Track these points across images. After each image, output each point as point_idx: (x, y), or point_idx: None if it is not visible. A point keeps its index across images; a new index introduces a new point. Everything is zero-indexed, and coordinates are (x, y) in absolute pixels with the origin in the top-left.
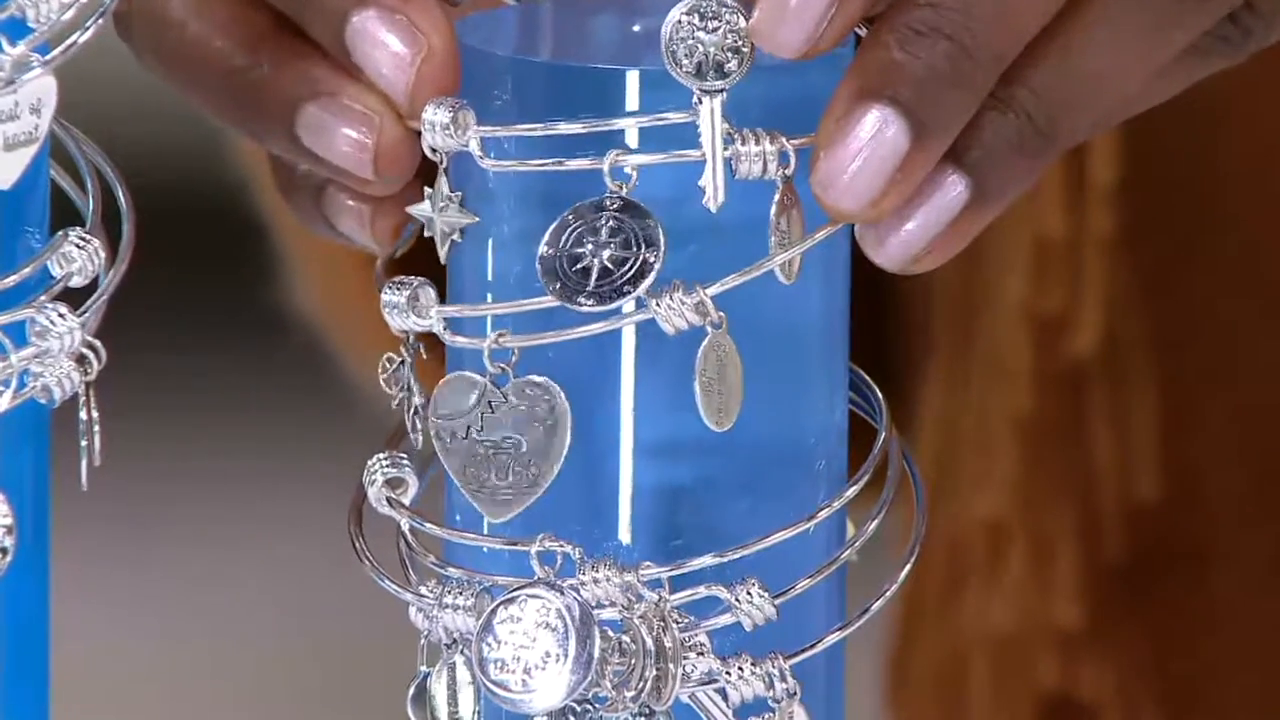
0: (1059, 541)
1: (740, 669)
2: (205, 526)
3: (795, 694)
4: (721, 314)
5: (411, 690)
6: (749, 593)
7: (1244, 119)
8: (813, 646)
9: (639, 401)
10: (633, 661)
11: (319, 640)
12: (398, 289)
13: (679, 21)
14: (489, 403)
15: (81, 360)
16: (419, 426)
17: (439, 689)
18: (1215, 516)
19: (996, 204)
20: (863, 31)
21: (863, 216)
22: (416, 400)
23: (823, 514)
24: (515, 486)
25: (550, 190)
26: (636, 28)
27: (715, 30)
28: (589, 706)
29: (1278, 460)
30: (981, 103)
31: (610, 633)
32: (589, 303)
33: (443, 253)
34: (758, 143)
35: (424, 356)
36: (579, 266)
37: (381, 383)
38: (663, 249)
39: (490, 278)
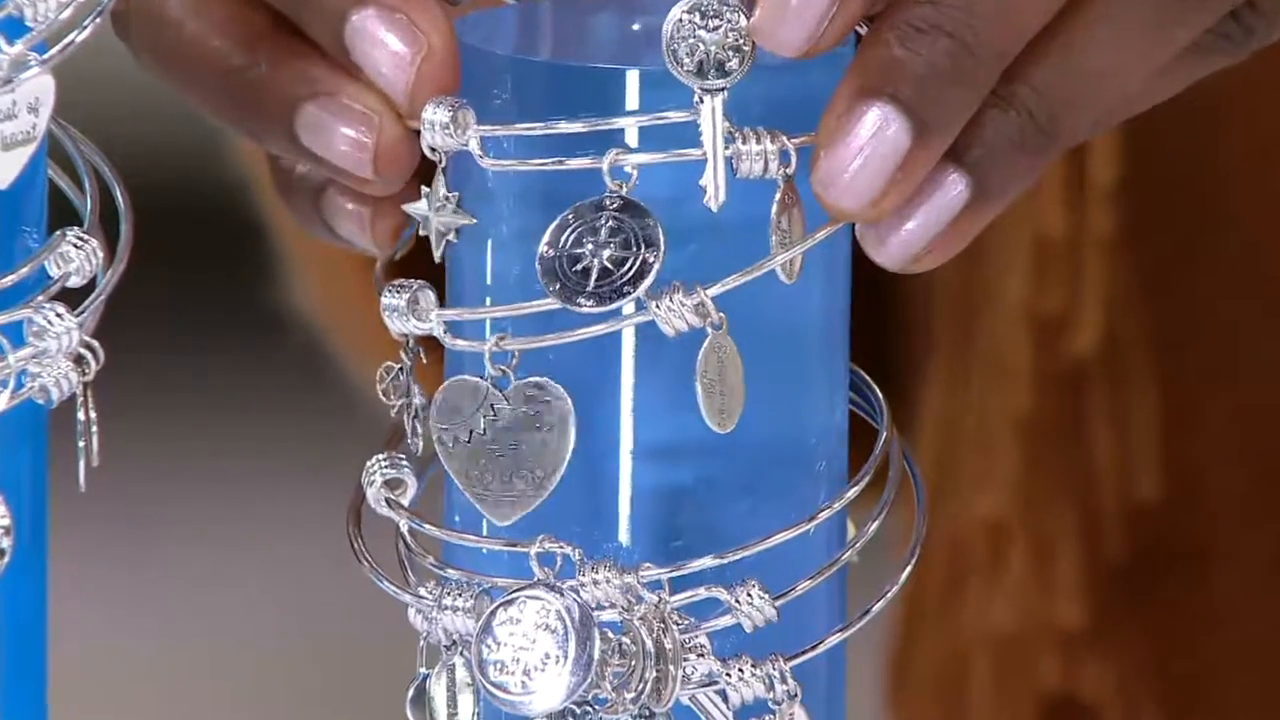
0: (1060, 541)
1: (741, 670)
2: (203, 527)
3: (796, 695)
4: (722, 315)
5: (411, 692)
6: (749, 594)
7: (1244, 118)
8: (814, 648)
9: (638, 402)
10: (633, 663)
11: (318, 641)
12: (397, 292)
13: (680, 20)
14: (491, 406)
15: (79, 360)
16: (419, 430)
17: (438, 691)
18: (1216, 516)
19: (997, 203)
20: (864, 30)
21: (863, 215)
22: (417, 402)
23: (823, 515)
24: (519, 489)
25: (550, 190)
26: (636, 26)
27: (716, 29)
28: (589, 708)
29: (1278, 460)
30: (983, 101)
31: (610, 634)
32: (589, 303)
33: (437, 253)
34: (758, 141)
35: (424, 361)
36: (579, 267)
37: (379, 394)
38: (663, 249)
39: (489, 279)
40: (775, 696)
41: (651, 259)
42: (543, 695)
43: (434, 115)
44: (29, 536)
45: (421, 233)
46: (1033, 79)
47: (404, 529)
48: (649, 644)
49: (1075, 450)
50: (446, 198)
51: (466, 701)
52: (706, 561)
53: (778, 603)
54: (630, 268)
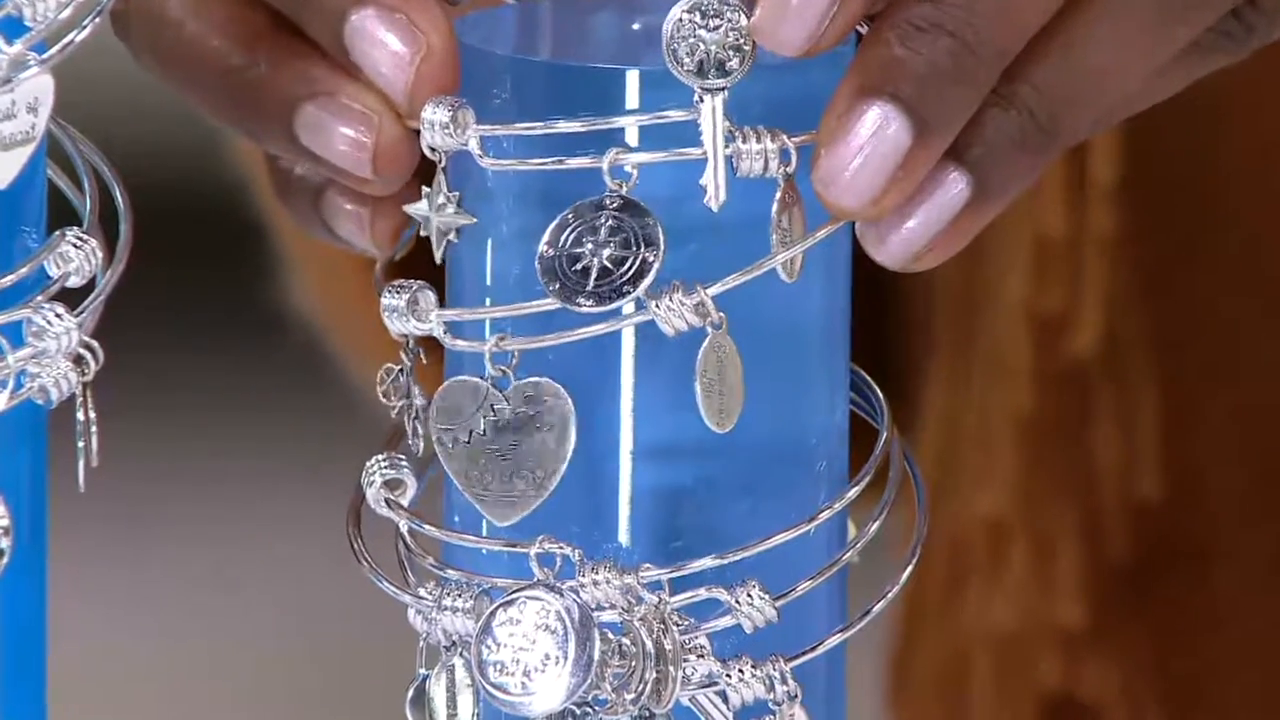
0: (1061, 540)
1: (741, 671)
2: (203, 527)
3: (796, 696)
4: (722, 314)
5: (410, 693)
6: (749, 595)
7: (1245, 117)
8: (814, 649)
9: (638, 403)
10: (633, 664)
11: (317, 642)
12: (397, 293)
13: (680, 20)
14: (491, 406)
15: (78, 361)
16: (420, 431)
17: (438, 691)
18: (1217, 515)
19: (998, 201)
20: (864, 29)
21: (864, 214)
22: (417, 403)
23: (824, 515)
24: (519, 489)
25: (550, 189)
26: (636, 26)
27: (717, 28)
28: (589, 709)
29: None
30: (983, 100)
31: (610, 635)
32: (588, 303)
33: (438, 253)
34: (759, 140)
35: (424, 361)
36: (578, 266)
37: (379, 395)
38: (662, 248)
39: (489, 279)
40: (775, 697)
41: (651, 258)
42: (542, 696)
43: (433, 115)
44: (28, 537)
45: (422, 233)
46: (1033, 78)
47: (404, 529)
48: (649, 645)
49: (1076, 449)
50: (447, 198)
51: (466, 702)
52: (706, 562)
53: (778, 603)
54: (630, 267)
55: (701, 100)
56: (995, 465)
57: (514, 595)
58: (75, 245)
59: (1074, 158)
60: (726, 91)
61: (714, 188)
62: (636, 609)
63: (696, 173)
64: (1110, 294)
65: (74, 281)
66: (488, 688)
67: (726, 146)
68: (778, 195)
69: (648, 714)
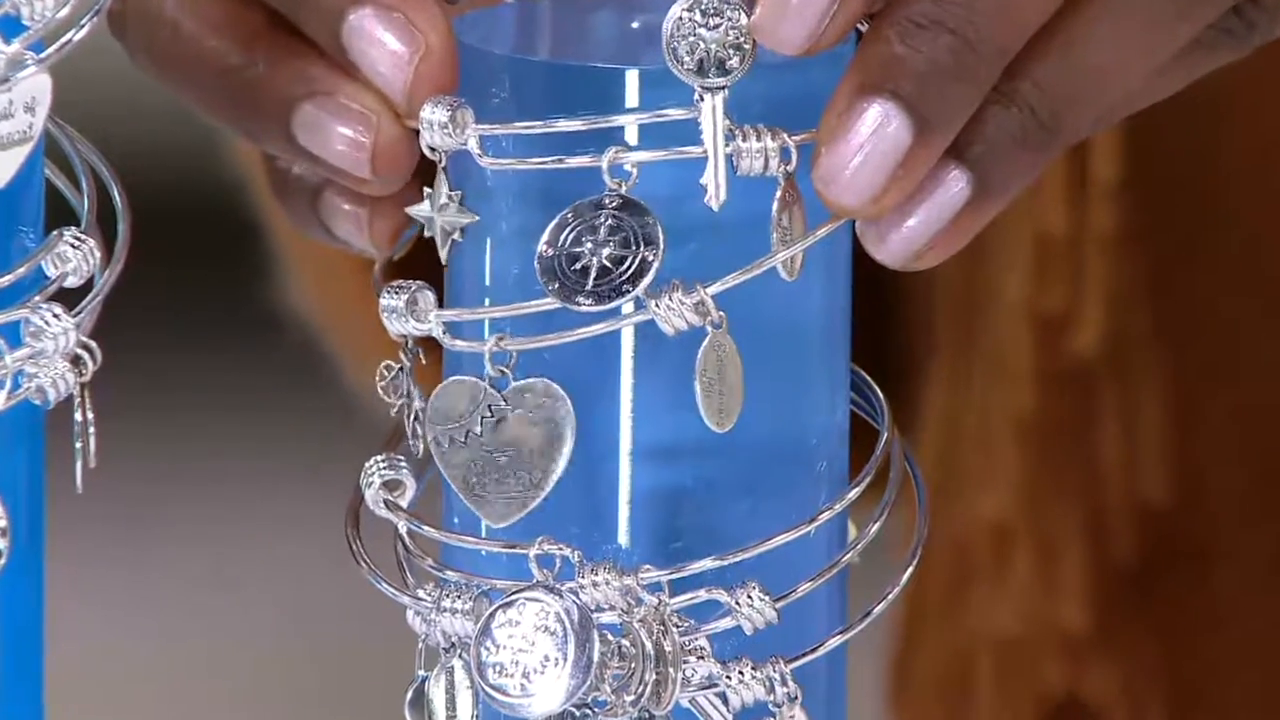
0: (1064, 542)
1: (741, 673)
2: (201, 528)
3: (796, 698)
4: (722, 313)
5: (409, 694)
6: (749, 596)
7: (1246, 115)
8: (814, 650)
9: (638, 403)
10: (632, 665)
11: (316, 643)
12: (396, 293)
13: (680, 18)
14: (489, 407)
15: (76, 361)
16: (419, 432)
17: (437, 693)
18: (1221, 515)
19: (999, 200)
20: (864, 27)
21: (864, 212)
22: (416, 405)
23: (824, 516)
24: (516, 491)
25: (549, 189)
26: (636, 25)
27: (717, 27)
28: (588, 711)
29: None
30: (984, 97)
31: (610, 636)
32: (588, 302)
33: (444, 253)
34: (759, 139)
35: (423, 362)
36: (578, 265)
37: (379, 391)
38: (662, 247)
39: (488, 279)
40: (776, 699)
41: (651, 257)
42: (542, 698)
43: (432, 114)
44: (26, 537)
45: (426, 234)
46: (1034, 75)
47: (402, 530)
48: (649, 646)
49: (1079, 450)
50: (449, 197)
51: (465, 704)
52: (706, 563)
53: (778, 604)
54: (629, 266)
55: (702, 99)
56: (997, 466)
57: (513, 597)
58: (73, 245)
59: (1075, 156)
60: (727, 90)
61: (714, 186)
62: (636, 610)
63: (696, 172)
64: (1112, 293)
65: (72, 281)
66: (487, 689)
67: (727, 145)
68: (778, 194)
69: (647, 716)
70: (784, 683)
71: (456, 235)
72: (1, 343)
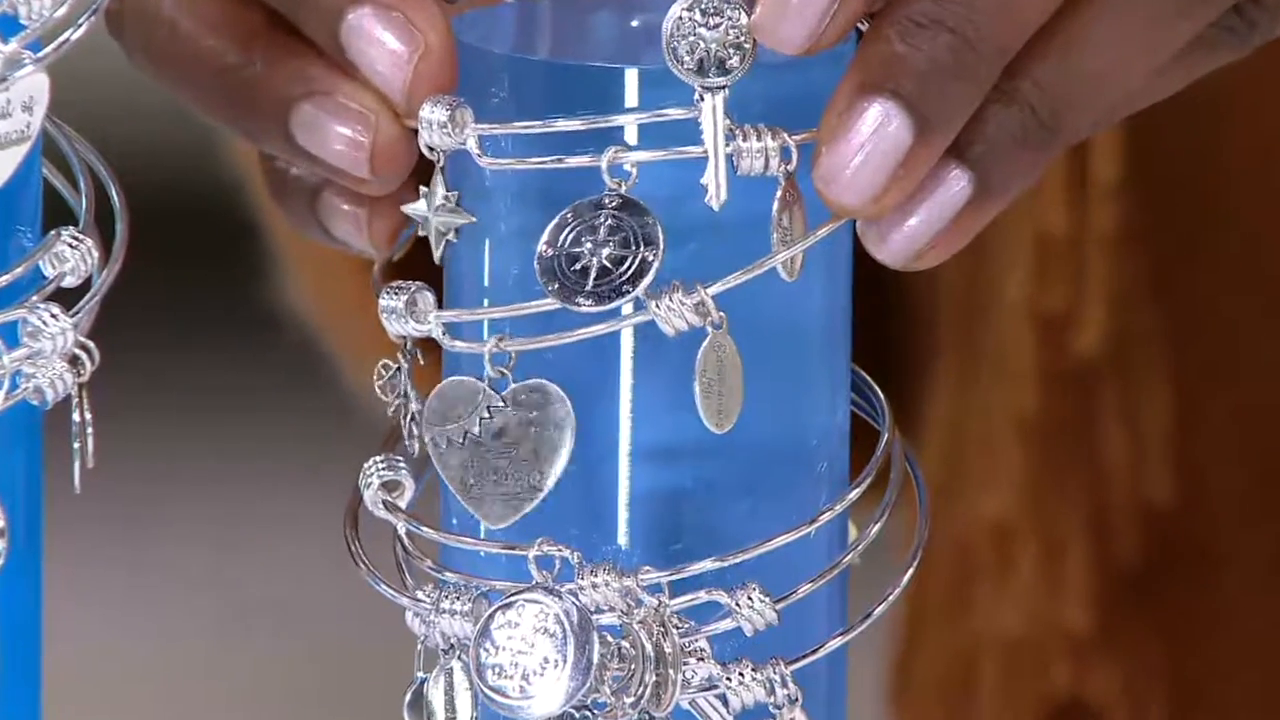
0: (1068, 543)
1: (741, 674)
2: (199, 529)
3: (796, 700)
4: (722, 314)
5: (408, 696)
6: (750, 597)
7: (1246, 114)
8: (814, 652)
9: (637, 403)
10: (632, 667)
11: (314, 645)
12: (395, 294)
13: (680, 18)
14: (488, 408)
15: (74, 361)
16: (416, 433)
17: (436, 695)
18: (1225, 515)
19: (1000, 199)
20: (865, 26)
21: (865, 212)
22: (414, 406)
23: (824, 517)
24: (515, 492)
25: (548, 189)
26: (636, 24)
27: (717, 27)
28: (588, 713)
29: None
30: (985, 96)
31: (609, 638)
32: (588, 303)
33: (437, 253)
34: (759, 139)
35: (421, 363)
36: (577, 266)
37: (377, 390)
38: (662, 247)
39: (487, 280)
40: (776, 701)
41: (651, 257)
42: (541, 700)
43: (431, 114)
44: (24, 538)
45: (421, 233)
46: (1035, 74)
47: (401, 531)
48: (648, 648)
49: (1082, 450)
50: (445, 197)
51: (465, 706)
52: (706, 564)
53: (778, 606)
54: (629, 266)
55: (702, 99)
56: (1000, 466)
57: (512, 598)
58: (71, 245)
59: (1075, 156)
60: (727, 90)
61: (715, 186)
62: (636, 612)
63: (696, 172)
64: (1113, 292)
65: (69, 281)
66: (486, 691)
67: (727, 145)
68: (778, 194)
69: (647, 717)
70: (784, 684)
71: (451, 235)
72: None
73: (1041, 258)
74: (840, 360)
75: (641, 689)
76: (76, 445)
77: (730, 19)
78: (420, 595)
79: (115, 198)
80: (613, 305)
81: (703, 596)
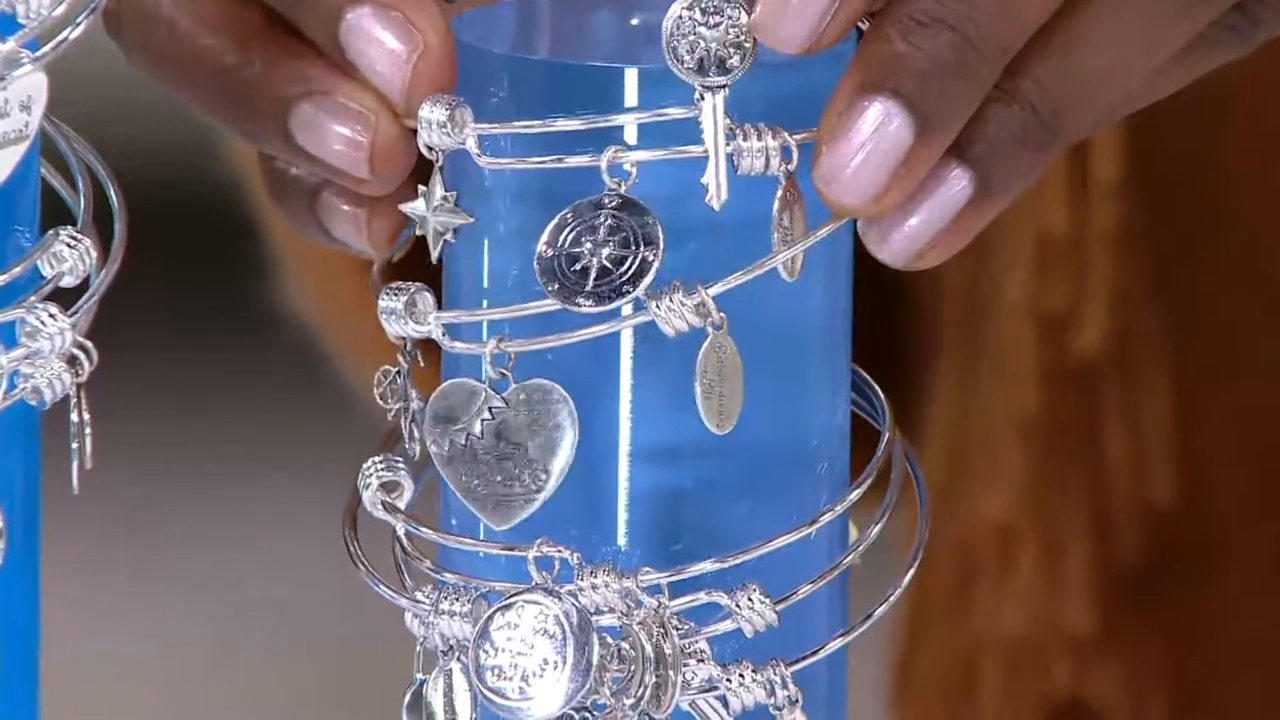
0: (1069, 543)
1: (741, 676)
2: (198, 530)
3: (797, 701)
4: (723, 314)
5: (407, 698)
6: (750, 598)
7: (1247, 113)
8: (815, 653)
9: (637, 404)
10: (632, 668)
11: (313, 646)
12: (395, 295)
13: (680, 17)
14: (489, 409)
15: (72, 361)
16: (416, 434)
17: (435, 697)
18: (1227, 515)
19: (1001, 198)
20: (865, 25)
21: (866, 211)
22: (414, 406)
23: (825, 518)
24: (518, 494)
25: (548, 188)
26: (635, 23)
27: (717, 26)
28: (587, 714)
29: None
30: (985, 96)
31: (609, 639)
32: (588, 303)
33: (435, 253)
34: (760, 138)
35: (421, 364)
36: (577, 266)
37: (376, 396)
38: (662, 247)
39: (486, 280)
40: (776, 702)
41: (651, 257)
42: (541, 701)
43: (431, 114)
44: (22, 539)
45: (419, 233)
46: (1035, 73)
47: (400, 532)
48: (648, 649)
49: (1083, 449)
50: (444, 197)
51: (464, 707)
52: (706, 565)
53: (779, 607)
54: (629, 266)
55: (702, 98)
56: (1001, 466)
57: (512, 599)
58: (69, 245)
59: (1076, 155)
60: (727, 89)
61: (715, 186)
62: (636, 613)
63: (696, 172)
64: (1114, 291)
65: (68, 281)
66: (485, 692)
67: (727, 144)
68: (779, 193)
69: (647, 719)
70: (785, 686)
71: (449, 236)
72: None
73: (1042, 257)
74: (841, 360)
75: (641, 690)
76: (75, 446)
77: (730, 18)
78: (419, 596)
79: (114, 197)
80: (613, 306)
81: (703, 597)
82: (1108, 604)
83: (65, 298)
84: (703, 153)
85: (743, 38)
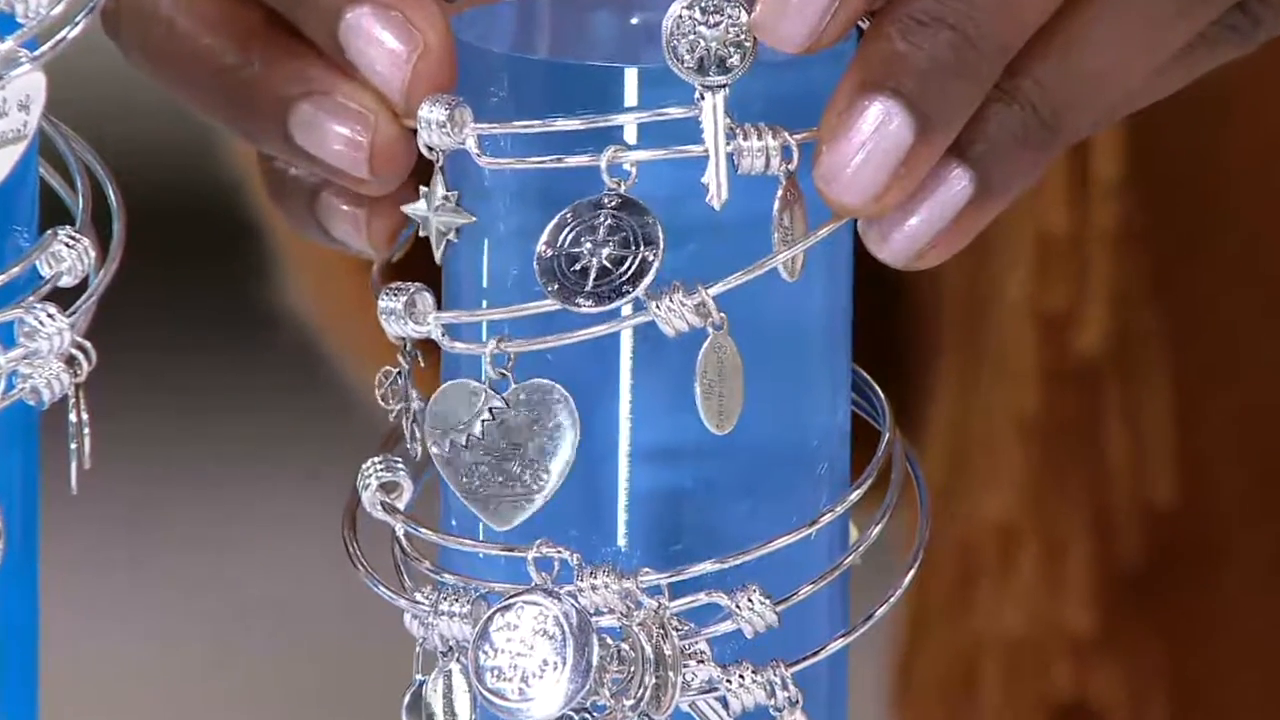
0: (1070, 543)
1: (741, 677)
2: (197, 531)
3: (797, 702)
4: (723, 314)
5: (407, 699)
6: (750, 599)
7: (1247, 112)
8: (815, 654)
9: (637, 404)
10: (632, 669)
11: (312, 647)
12: (395, 295)
13: (680, 16)
14: (490, 409)
15: (71, 362)
16: (417, 435)
17: (435, 698)
18: (1228, 515)
19: (1001, 198)
20: (866, 25)
21: (866, 211)
22: (415, 407)
23: (825, 518)
24: (519, 494)
25: (547, 188)
26: (635, 22)
27: (717, 25)
28: (587, 715)
29: None
30: (986, 95)
31: (609, 640)
32: (588, 303)
33: (438, 254)
34: (760, 138)
35: (422, 365)
36: (577, 266)
37: (378, 398)
38: (662, 247)
39: (486, 280)
40: (776, 703)
41: (651, 257)
42: (540, 702)
43: (430, 113)
44: (20, 540)
45: (421, 233)
46: (1035, 73)
47: (400, 533)
48: (648, 650)
49: (1084, 449)
50: (445, 197)
51: (464, 709)
52: (706, 566)
53: (779, 608)
54: (629, 266)
55: (702, 97)
56: (1002, 466)
57: (511, 600)
58: (67, 244)
59: (1076, 154)
60: (727, 88)
61: (716, 185)
62: (635, 614)
63: (696, 172)
64: (1115, 291)
65: (66, 281)
66: (485, 694)
67: (727, 144)
68: (779, 193)
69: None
70: (785, 686)
71: (451, 235)
72: None
73: (1042, 257)
74: (841, 360)
75: (641, 691)
76: (73, 446)
77: (730, 17)
78: (419, 597)
79: (112, 197)
80: (613, 306)
81: (703, 598)
82: (1108, 604)
83: (64, 298)
84: (703, 152)
85: (743, 37)
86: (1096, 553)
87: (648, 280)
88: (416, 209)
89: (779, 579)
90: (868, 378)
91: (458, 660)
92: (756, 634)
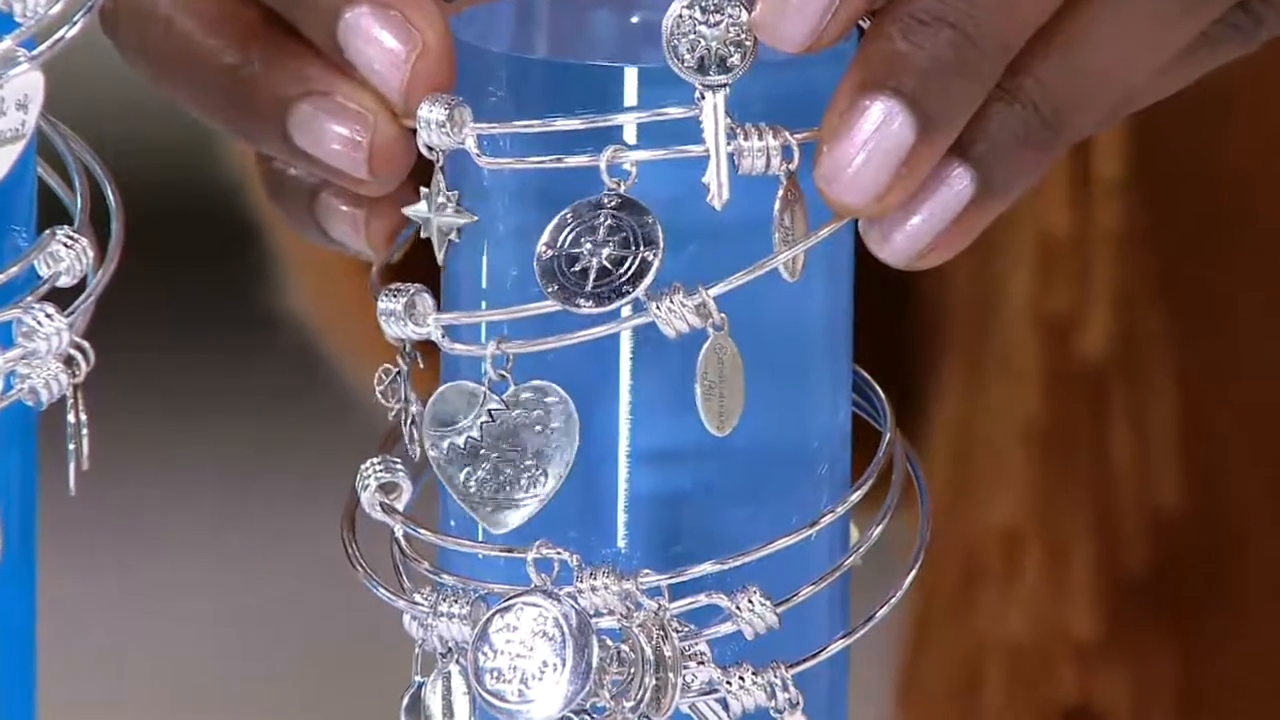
0: (1074, 546)
1: (741, 678)
2: (196, 531)
3: (798, 704)
4: (723, 315)
5: (405, 700)
6: (750, 600)
7: (1250, 112)
8: (816, 655)
9: (637, 405)
10: (632, 671)
11: (311, 648)
12: (394, 296)
13: (680, 15)
14: (489, 411)
15: (69, 362)
16: (416, 436)
17: (434, 699)
18: (1235, 520)
19: (1003, 198)
20: (866, 24)
21: (867, 211)
22: (414, 409)
23: (826, 519)
24: (519, 496)
25: (547, 189)
26: (635, 21)
27: (717, 24)
28: (587, 717)
29: None
30: (987, 94)
31: (609, 641)
32: (588, 304)
33: (440, 255)
34: (760, 138)
35: (421, 366)
36: (577, 267)
37: (378, 395)
38: (662, 247)
39: (485, 281)
40: (777, 705)
41: (651, 257)
42: (540, 704)
43: (430, 113)
44: (18, 541)
45: (423, 235)
46: (1037, 72)
47: (399, 534)
48: (648, 651)
49: (1089, 452)
50: (446, 198)
51: (463, 710)
52: (706, 567)
53: (779, 609)
54: (629, 267)
55: (702, 97)
56: (1006, 469)
57: (511, 601)
58: (66, 244)
59: (1078, 154)
60: (728, 88)
61: (716, 185)
62: (635, 615)
63: (696, 172)
64: (1118, 292)
65: (64, 281)
66: (484, 695)
67: (728, 144)
68: (780, 193)
69: None
70: (785, 688)
71: (453, 236)
72: None
73: (1045, 258)
74: (842, 361)
75: (641, 693)
76: (72, 447)
77: (731, 16)
78: (418, 598)
79: (111, 197)
80: (613, 306)
81: (703, 599)
82: (1113, 608)
83: (62, 298)
84: (703, 152)
85: (743, 36)
86: (1101, 556)
87: (648, 281)
88: (417, 210)
89: (779, 580)
90: (868, 378)
91: (457, 662)
92: (757, 635)
